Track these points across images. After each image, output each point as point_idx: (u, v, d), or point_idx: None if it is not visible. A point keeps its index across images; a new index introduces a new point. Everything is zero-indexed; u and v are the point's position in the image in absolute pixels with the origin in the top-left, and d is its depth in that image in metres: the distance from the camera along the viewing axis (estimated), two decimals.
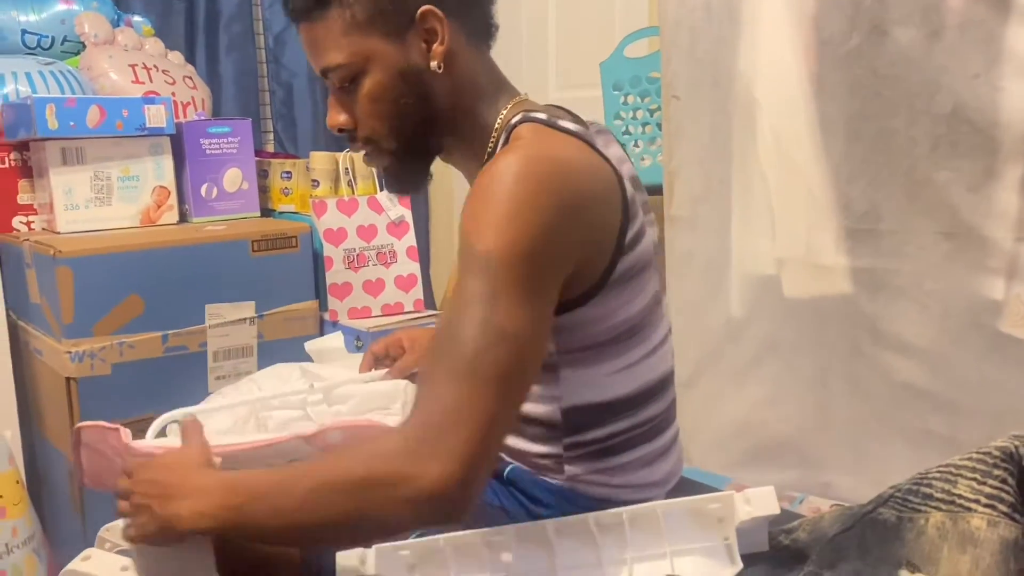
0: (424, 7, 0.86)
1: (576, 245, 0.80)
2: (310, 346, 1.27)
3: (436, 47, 0.87)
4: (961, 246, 1.31)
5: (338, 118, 0.92)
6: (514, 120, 0.88)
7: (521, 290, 0.74)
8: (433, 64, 0.88)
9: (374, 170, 1.94)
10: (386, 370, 1.13)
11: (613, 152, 0.91)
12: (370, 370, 1.15)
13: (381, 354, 1.17)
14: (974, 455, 0.74)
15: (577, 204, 0.79)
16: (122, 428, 0.95)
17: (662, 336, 0.95)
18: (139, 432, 1.51)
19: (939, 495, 0.74)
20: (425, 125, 0.91)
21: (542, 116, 0.87)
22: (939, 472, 0.76)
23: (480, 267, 0.74)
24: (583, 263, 0.82)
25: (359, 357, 1.19)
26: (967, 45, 1.25)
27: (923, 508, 0.75)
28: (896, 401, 1.42)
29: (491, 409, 0.71)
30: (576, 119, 0.92)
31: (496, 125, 0.91)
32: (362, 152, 0.95)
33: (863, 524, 0.79)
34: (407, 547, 0.80)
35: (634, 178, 0.93)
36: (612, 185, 0.85)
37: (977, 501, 0.71)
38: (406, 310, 1.90)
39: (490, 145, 0.91)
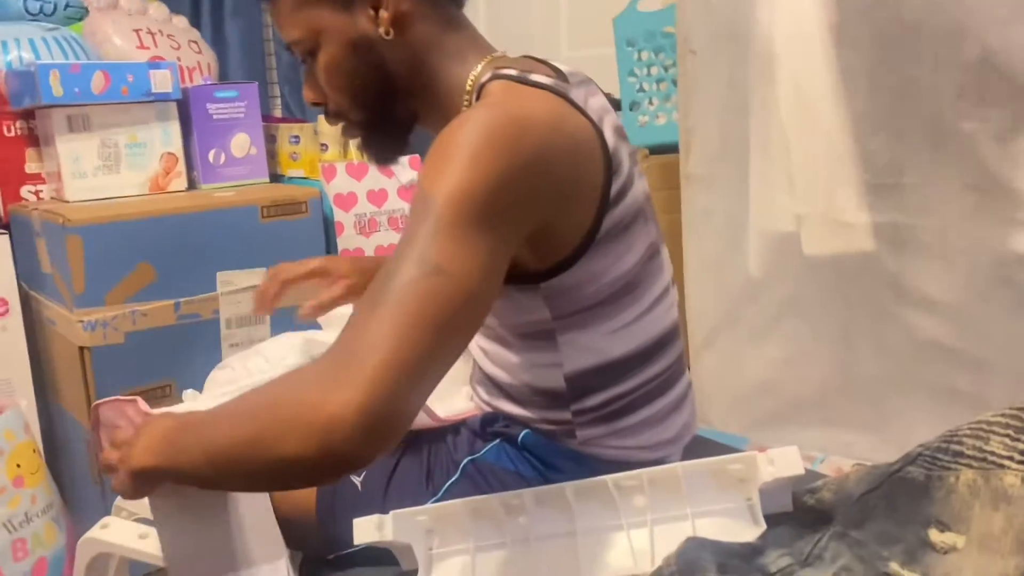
0: None
1: (541, 200, 0.76)
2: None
3: (382, 14, 0.85)
4: (988, 199, 1.27)
5: (310, 94, 0.92)
6: (484, 79, 0.85)
7: (463, 230, 0.69)
8: (381, 31, 0.85)
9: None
10: None
11: (594, 104, 0.87)
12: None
13: (301, 282, 1.15)
14: (1007, 411, 0.71)
15: (541, 158, 0.75)
16: (139, 398, 0.94)
17: (661, 290, 0.92)
18: (155, 401, 1.51)
19: (970, 452, 0.72)
20: (385, 94, 0.88)
21: (512, 72, 0.83)
22: (970, 429, 0.74)
23: (424, 207, 0.70)
24: (557, 220, 0.79)
25: None
26: None
27: (953, 466, 0.73)
28: (920, 359, 1.39)
29: (411, 343, 0.64)
30: (555, 71, 0.88)
31: (467, 86, 0.87)
32: (336, 125, 0.94)
33: (890, 483, 0.76)
34: (424, 512, 0.79)
35: (618, 128, 0.89)
36: (590, 139, 0.81)
37: (1011, 458, 0.69)
38: None
39: (465, 105, 0.87)
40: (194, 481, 0.75)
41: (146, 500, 1.07)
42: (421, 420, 0.91)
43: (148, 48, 1.86)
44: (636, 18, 1.86)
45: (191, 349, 1.54)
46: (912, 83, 1.31)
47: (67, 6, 1.91)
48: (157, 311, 1.52)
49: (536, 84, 0.82)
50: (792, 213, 1.50)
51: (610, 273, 0.84)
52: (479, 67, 0.87)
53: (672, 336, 0.94)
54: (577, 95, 0.84)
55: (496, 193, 0.71)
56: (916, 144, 1.33)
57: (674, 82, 1.78)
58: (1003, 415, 0.71)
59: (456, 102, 0.88)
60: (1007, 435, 0.69)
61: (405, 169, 1.88)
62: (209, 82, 1.91)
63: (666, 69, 1.86)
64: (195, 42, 2.00)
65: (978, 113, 1.25)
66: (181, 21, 2.03)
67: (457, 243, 0.68)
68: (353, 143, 0.97)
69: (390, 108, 0.90)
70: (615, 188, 0.83)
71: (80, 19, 1.92)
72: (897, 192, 1.37)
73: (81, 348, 1.46)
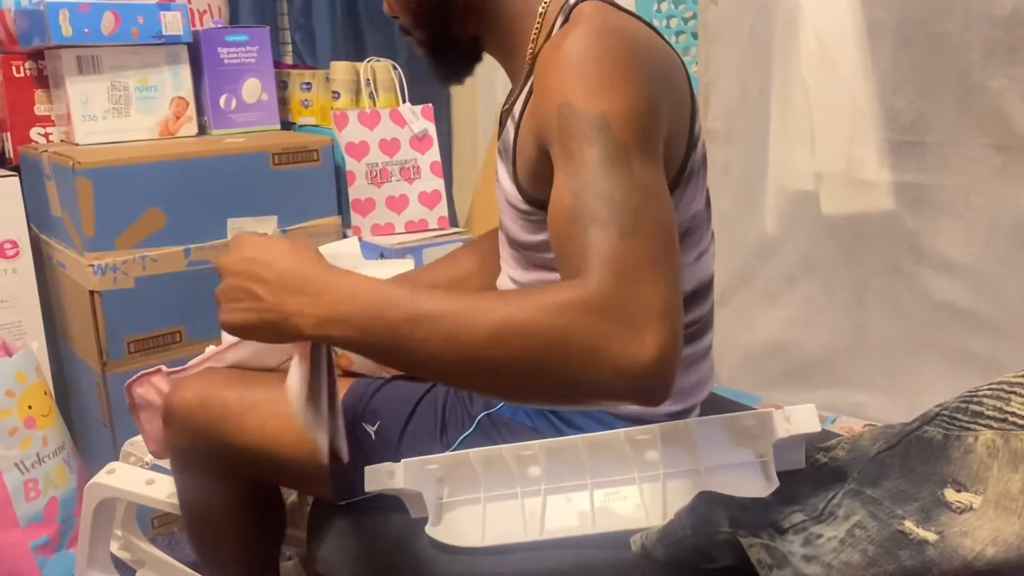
0: None
1: (666, 114, 0.76)
2: (325, 250, 1.24)
3: None
4: (1013, 159, 1.25)
5: (384, 4, 0.93)
6: (572, 0, 0.83)
7: (646, 147, 0.70)
8: None
9: (396, 81, 1.88)
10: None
11: None
12: None
13: None
14: None
15: (660, 76, 0.76)
16: (162, 366, 0.94)
17: (710, 237, 0.92)
18: (165, 348, 1.51)
19: (990, 412, 0.71)
20: (440, 14, 0.88)
21: None
22: (990, 389, 0.73)
23: (598, 130, 0.69)
24: (668, 142, 0.77)
25: (376, 264, 1.17)
26: None
27: (972, 426, 0.72)
28: (935, 321, 1.38)
29: (671, 263, 0.65)
30: None
31: (541, 10, 0.86)
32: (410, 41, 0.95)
33: (907, 442, 0.76)
34: (436, 461, 0.78)
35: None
36: (679, 68, 0.82)
37: None
38: (430, 227, 1.87)
39: (535, 31, 0.86)
40: (415, 372, 0.71)
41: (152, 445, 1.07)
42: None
43: None
44: None
45: (201, 296, 1.54)
46: (941, 39, 1.28)
47: None
48: (167, 257, 1.51)
49: (630, 12, 0.82)
50: (812, 171, 1.48)
51: (683, 213, 0.84)
52: None
53: (711, 285, 0.94)
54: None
55: (652, 111, 0.72)
56: (942, 102, 1.30)
57: (694, 35, 1.74)
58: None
59: (524, 28, 0.86)
60: None
61: (418, 119, 1.85)
62: (220, 25, 1.88)
63: (686, 21, 1.82)
64: None
65: (1008, 71, 1.22)
66: None
67: (648, 160, 0.69)
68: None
69: (446, 29, 0.90)
70: (696, 128, 0.83)
71: None
72: (920, 151, 1.35)
73: (91, 292, 1.46)
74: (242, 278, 0.69)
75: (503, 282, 0.96)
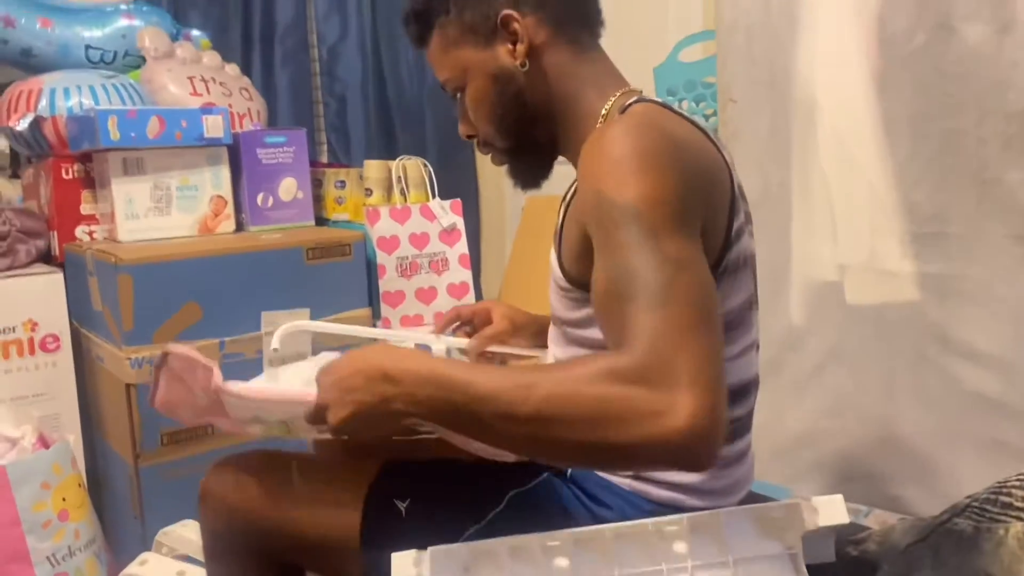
0: (503, 12, 0.92)
1: (700, 206, 0.80)
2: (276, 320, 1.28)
3: (518, 47, 0.93)
4: None
5: (462, 127, 1.01)
6: (630, 101, 0.90)
7: (676, 225, 0.74)
8: (517, 63, 0.93)
9: (426, 178, 1.95)
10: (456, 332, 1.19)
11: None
12: (444, 330, 1.19)
13: (466, 318, 1.21)
14: None
15: (696, 174, 0.80)
16: (216, 368, 0.92)
17: (751, 341, 0.94)
18: (198, 438, 1.53)
19: (1020, 504, 0.70)
20: (526, 120, 0.95)
21: (657, 99, 0.91)
22: (1019, 481, 0.72)
23: (629, 216, 0.73)
24: (703, 233, 0.80)
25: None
26: None
27: (1002, 518, 0.71)
28: (966, 411, 1.36)
29: (707, 329, 0.68)
30: None
31: (603, 112, 0.92)
32: (488, 155, 1.02)
33: (938, 535, 0.75)
34: (463, 548, 0.78)
35: (740, 185, 0.92)
36: (723, 169, 0.86)
37: None
38: None
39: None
40: (475, 438, 0.77)
41: (188, 536, 1.07)
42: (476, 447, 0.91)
43: (201, 95, 1.92)
44: (676, 68, 1.88)
45: None
46: (956, 133, 1.31)
47: (126, 55, 1.98)
48: (203, 349, 1.54)
49: (679, 113, 0.88)
50: (835, 262, 1.49)
51: (723, 306, 0.86)
52: (615, 97, 0.93)
53: (751, 388, 0.95)
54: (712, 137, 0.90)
55: (683, 196, 0.76)
56: (961, 194, 1.32)
57: (715, 131, 1.79)
58: None
59: (590, 127, 0.92)
60: None
61: (447, 213, 1.91)
62: (259, 128, 1.97)
63: (707, 118, 1.88)
64: (246, 89, 2.06)
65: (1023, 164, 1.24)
66: (233, 69, 2.10)
67: (680, 238, 0.73)
68: (504, 170, 1.04)
69: (530, 134, 0.97)
70: (736, 225, 0.86)
71: (137, 67, 2.00)
72: (942, 242, 1.36)
73: (128, 385, 1.49)
74: (338, 386, 0.77)
75: (547, 356, 1.01)
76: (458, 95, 0.98)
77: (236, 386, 0.91)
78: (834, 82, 1.44)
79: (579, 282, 0.88)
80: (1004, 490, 0.72)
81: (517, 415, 0.68)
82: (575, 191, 0.92)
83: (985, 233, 1.31)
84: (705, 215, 0.80)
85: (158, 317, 1.51)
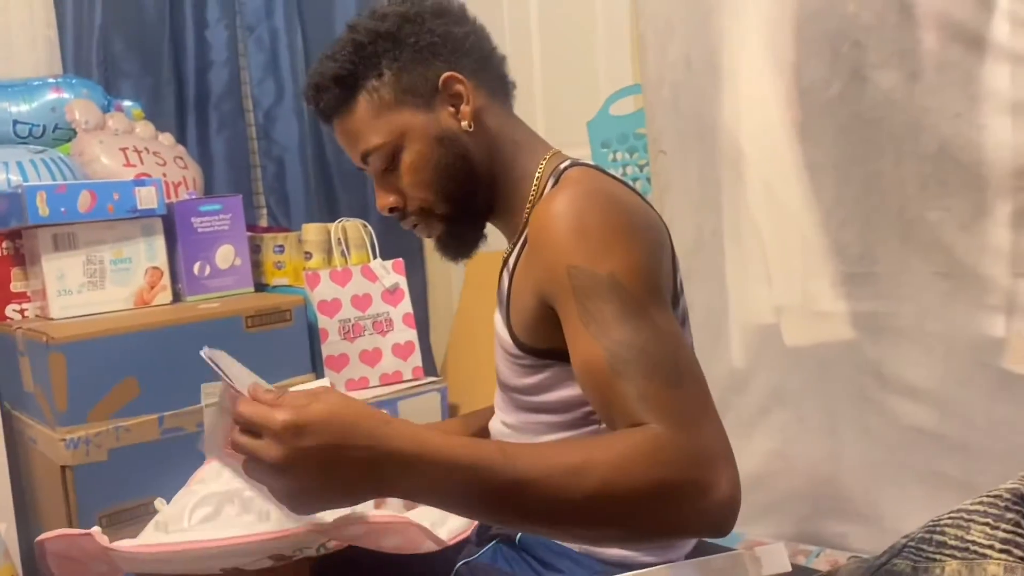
0: (446, 74, 0.91)
1: (666, 273, 0.82)
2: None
3: (464, 108, 0.92)
4: (958, 285, 1.30)
5: (387, 199, 0.95)
6: (563, 165, 0.91)
7: (656, 297, 0.76)
8: (464, 124, 0.92)
9: (367, 239, 1.94)
10: None
11: None
12: None
13: None
14: (984, 499, 0.71)
15: (652, 235, 0.82)
16: (95, 532, 0.87)
17: None
18: (138, 519, 1.48)
19: (953, 542, 0.71)
20: (471, 183, 0.94)
21: (591, 163, 0.92)
22: (950, 519, 0.73)
23: (613, 290, 0.74)
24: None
25: None
26: (946, 86, 1.26)
27: (938, 557, 0.72)
28: (907, 446, 1.39)
29: (712, 403, 0.72)
30: None
31: (537, 174, 0.93)
32: (413, 226, 0.97)
33: None
34: None
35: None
36: (663, 228, 0.87)
37: (991, 547, 0.68)
38: (405, 378, 1.88)
39: (532, 193, 0.93)
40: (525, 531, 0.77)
41: None
42: (426, 546, 0.88)
43: (135, 165, 1.90)
44: (608, 121, 1.92)
45: (176, 464, 1.52)
46: (877, 176, 1.35)
47: (56, 128, 1.96)
48: (141, 426, 1.51)
49: (615, 176, 0.89)
50: (771, 305, 1.52)
51: None
52: (545, 160, 0.94)
53: None
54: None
55: (655, 264, 0.78)
56: (886, 234, 1.36)
57: (649, 180, 1.83)
58: (981, 502, 0.70)
59: (526, 190, 0.93)
60: (986, 523, 0.69)
61: (389, 273, 1.90)
62: (194, 196, 1.95)
63: (640, 168, 1.91)
64: (180, 158, 2.04)
65: (941, 202, 1.29)
66: (167, 138, 2.09)
67: (663, 310, 0.76)
68: (432, 241, 1.00)
69: (471, 199, 0.95)
70: (679, 282, 0.89)
71: (68, 140, 1.97)
72: (872, 281, 1.40)
73: (63, 467, 1.45)
74: (319, 469, 0.62)
75: (495, 425, 0.99)
76: (386, 164, 0.93)
77: (126, 545, 0.87)
78: (758, 131, 1.48)
79: (532, 349, 0.87)
80: (938, 529, 0.73)
81: (569, 501, 0.65)
82: (520, 258, 0.90)
83: (912, 271, 1.35)
84: (666, 279, 0.82)
85: (93, 395, 1.47)
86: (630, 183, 0.92)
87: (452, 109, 0.92)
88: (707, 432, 0.69)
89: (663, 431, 0.68)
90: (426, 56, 0.92)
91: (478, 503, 0.66)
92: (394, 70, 0.91)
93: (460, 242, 0.99)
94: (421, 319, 2.27)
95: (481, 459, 0.64)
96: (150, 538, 0.95)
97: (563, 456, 0.67)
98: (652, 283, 0.76)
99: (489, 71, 0.96)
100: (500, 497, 0.65)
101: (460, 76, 0.91)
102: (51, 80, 1.98)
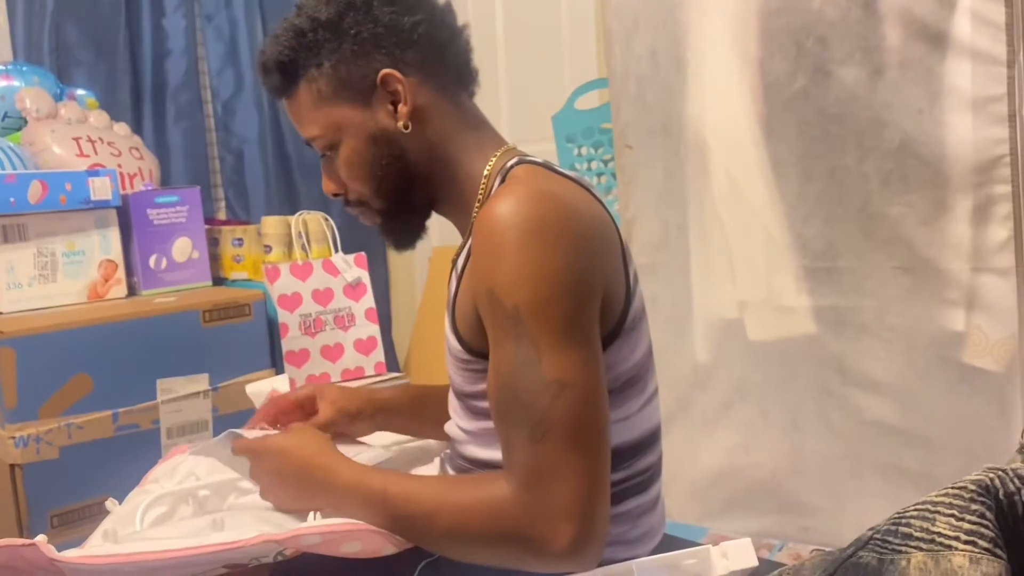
0: (384, 71, 0.88)
1: (599, 282, 0.80)
2: (251, 388, 1.22)
3: (401, 108, 0.89)
4: (919, 280, 1.31)
5: (329, 185, 0.95)
6: (510, 163, 0.88)
7: (559, 337, 0.75)
8: (400, 124, 0.89)
9: (328, 232, 1.91)
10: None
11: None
12: (256, 426, 1.05)
13: (288, 409, 1.08)
14: (950, 491, 0.71)
15: (590, 239, 0.80)
16: (39, 541, 0.83)
17: (654, 388, 0.93)
18: (92, 518, 1.44)
19: (918, 534, 0.71)
20: (405, 182, 0.92)
21: (538, 160, 0.88)
22: (916, 510, 0.73)
23: (512, 324, 0.75)
24: (605, 303, 0.80)
25: None
26: (909, 82, 1.27)
27: (903, 548, 0.72)
28: (868, 440, 1.40)
29: (588, 451, 0.74)
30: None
31: (485, 172, 0.90)
32: (357, 214, 0.97)
33: (844, 569, 0.75)
34: None
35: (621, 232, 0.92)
36: (609, 224, 0.85)
37: (957, 538, 0.69)
38: (367, 374, 1.86)
39: (480, 192, 0.90)
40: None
41: None
42: (387, 549, 0.86)
43: (88, 156, 1.85)
44: (574, 116, 1.91)
45: (130, 462, 1.48)
46: (840, 171, 1.36)
47: (5, 116, 1.90)
48: (94, 423, 1.47)
49: (561, 173, 0.86)
50: (735, 300, 1.52)
51: (626, 363, 0.85)
52: (495, 157, 0.91)
53: (657, 435, 0.94)
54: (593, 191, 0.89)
55: (571, 286, 0.76)
56: (848, 229, 1.37)
57: (614, 175, 1.82)
58: (946, 494, 0.71)
59: (473, 188, 0.91)
60: (952, 515, 0.69)
61: (351, 267, 1.87)
62: (150, 187, 1.90)
63: (605, 163, 1.91)
64: (136, 148, 1.99)
65: (903, 198, 1.30)
66: (122, 128, 2.03)
67: (561, 352, 0.75)
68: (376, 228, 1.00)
69: (408, 196, 0.93)
70: (631, 277, 0.86)
71: (19, 129, 1.91)
72: (834, 276, 1.40)
73: (12, 465, 1.40)
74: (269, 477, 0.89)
75: (451, 428, 0.96)
76: (326, 152, 0.93)
77: (71, 555, 0.83)
78: (723, 126, 1.48)
79: (480, 352, 0.84)
80: (903, 520, 0.73)
81: (431, 537, 0.79)
82: (467, 260, 0.88)
83: (873, 266, 1.36)
84: (605, 282, 0.80)
85: (44, 391, 1.43)
86: (580, 178, 0.88)
87: (390, 107, 0.89)
88: (555, 492, 0.72)
89: (507, 487, 0.75)
90: (367, 49, 0.88)
91: (379, 526, 0.80)
92: (333, 62, 0.89)
93: (399, 235, 0.98)
94: (384, 314, 2.24)
95: (369, 496, 0.81)
96: (99, 548, 0.91)
97: (422, 501, 0.79)
98: (562, 317, 0.75)
99: (442, 63, 0.92)
100: (388, 526, 0.80)
101: (399, 75, 0.88)
102: (1, 67, 1.92)
